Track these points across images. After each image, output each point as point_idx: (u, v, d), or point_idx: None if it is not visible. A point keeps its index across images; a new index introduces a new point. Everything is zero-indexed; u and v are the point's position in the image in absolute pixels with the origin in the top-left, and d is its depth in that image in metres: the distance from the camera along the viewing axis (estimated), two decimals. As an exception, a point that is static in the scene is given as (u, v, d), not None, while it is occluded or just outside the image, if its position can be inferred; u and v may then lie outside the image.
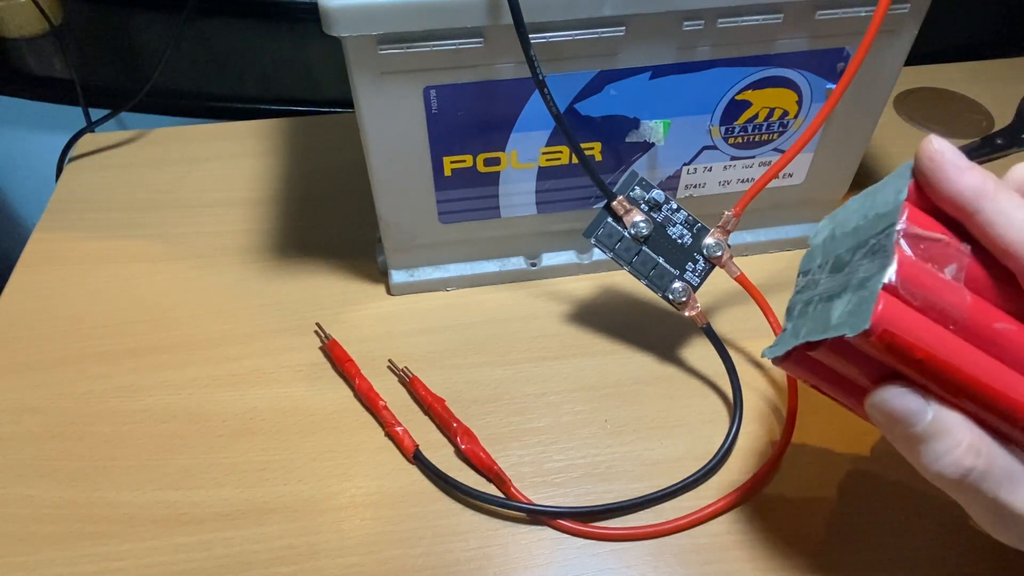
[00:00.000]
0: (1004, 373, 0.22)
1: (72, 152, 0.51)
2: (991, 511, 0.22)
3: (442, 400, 0.35)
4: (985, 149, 0.50)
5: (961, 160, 0.22)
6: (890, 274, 0.21)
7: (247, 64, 0.72)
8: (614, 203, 0.34)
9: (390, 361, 0.38)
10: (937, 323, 0.22)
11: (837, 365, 0.24)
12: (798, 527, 0.32)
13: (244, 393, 0.37)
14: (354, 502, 0.33)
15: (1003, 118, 0.52)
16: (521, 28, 0.29)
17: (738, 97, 0.36)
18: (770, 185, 0.33)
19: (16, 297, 0.42)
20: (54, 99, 0.70)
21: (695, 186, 0.40)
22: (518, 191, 0.38)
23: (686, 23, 0.33)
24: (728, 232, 0.34)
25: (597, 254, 0.42)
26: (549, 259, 0.42)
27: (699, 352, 0.38)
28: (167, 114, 0.67)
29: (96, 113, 0.52)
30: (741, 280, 0.35)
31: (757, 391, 0.36)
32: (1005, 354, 0.22)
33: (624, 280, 0.42)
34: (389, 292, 0.41)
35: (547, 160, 0.37)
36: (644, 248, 0.35)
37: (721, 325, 0.39)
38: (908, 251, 0.22)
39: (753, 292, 0.35)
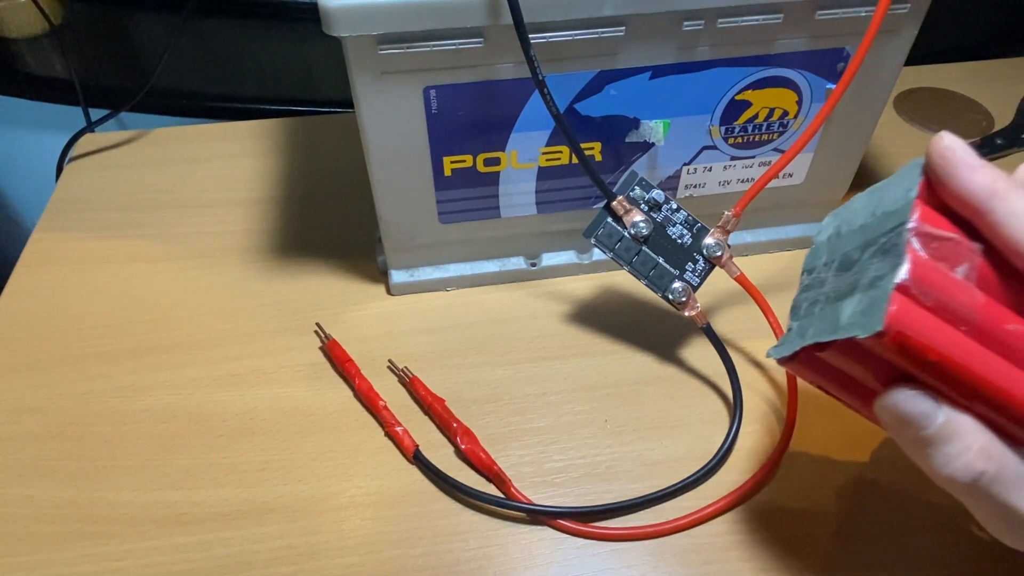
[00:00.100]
0: (1016, 375, 0.21)
1: (72, 152, 0.51)
2: (1000, 515, 0.22)
3: (442, 400, 0.35)
4: (985, 149, 0.50)
5: (973, 158, 0.22)
6: (902, 274, 0.21)
7: (247, 64, 0.72)
8: (614, 203, 0.34)
9: (390, 361, 0.38)
10: (949, 324, 0.21)
11: (845, 366, 0.24)
12: (798, 527, 0.32)
13: (244, 393, 0.37)
14: (354, 502, 0.33)
15: (1003, 118, 0.52)
16: (521, 28, 0.29)
17: (738, 97, 0.36)
18: (770, 185, 0.33)
19: (16, 297, 0.42)
20: (54, 99, 0.70)
21: (695, 186, 0.40)
22: (518, 191, 0.38)
23: (686, 23, 0.33)
24: (728, 232, 0.34)
25: (597, 254, 0.42)
26: (549, 259, 0.42)
27: (699, 352, 0.38)
28: (167, 114, 0.67)
29: (96, 113, 0.52)
30: (741, 280, 0.35)
31: (757, 391, 0.36)
32: (1016, 356, 0.21)
33: (624, 280, 0.42)
34: (389, 292, 0.41)
35: (547, 160, 0.37)
36: (644, 248, 0.35)
37: (721, 325, 0.39)
38: (920, 250, 0.22)
39: (753, 292, 0.35)
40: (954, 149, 0.22)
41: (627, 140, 0.37)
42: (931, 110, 0.53)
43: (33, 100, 0.70)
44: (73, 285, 0.42)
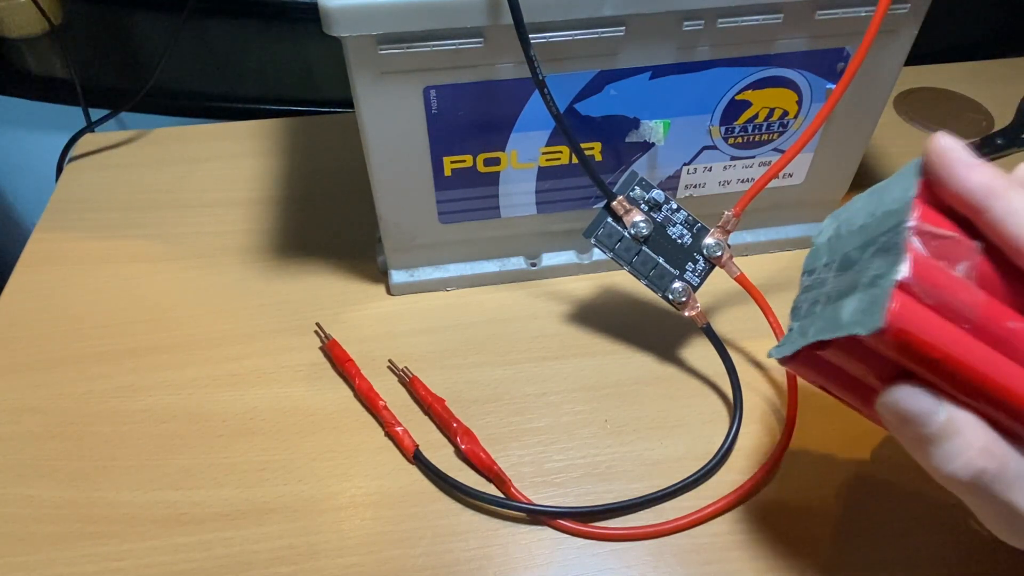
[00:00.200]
0: (1017, 372, 0.21)
1: (72, 152, 0.51)
2: (1002, 514, 0.22)
3: (442, 400, 0.35)
4: (985, 149, 0.50)
5: (970, 157, 0.22)
6: (903, 272, 0.21)
7: (247, 64, 0.72)
8: (614, 203, 0.34)
9: (390, 361, 0.38)
10: (950, 322, 0.21)
11: (846, 365, 0.24)
12: (798, 527, 0.32)
13: (244, 393, 0.37)
14: (354, 502, 0.33)
15: (1003, 118, 0.52)
16: (521, 28, 0.29)
17: (738, 97, 0.36)
18: (770, 185, 0.33)
19: (16, 297, 0.42)
20: (54, 99, 0.70)
21: (695, 186, 0.40)
22: (518, 191, 0.38)
23: (686, 23, 0.33)
24: (728, 232, 0.34)
25: (597, 254, 0.42)
26: (549, 259, 0.42)
27: (699, 352, 0.38)
28: (167, 114, 0.67)
29: (96, 113, 0.52)
30: (741, 280, 0.35)
31: (757, 391, 0.36)
32: (1017, 353, 0.22)
33: (624, 280, 0.42)
34: (389, 292, 0.41)
35: (547, 160, 0.37)
36: (644, 248, 0.35)
37: (721, 325, 0.39)
38: (920, 248, 0.22)
39: (753, 292, 0.35)
40: (951, 149, 0.22)
41: (627, 140, 0.37)
42: (931, 110, 0.53)
43: (33, 100, 0.70)
44: (73, 285, 0.42)
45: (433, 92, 0.33)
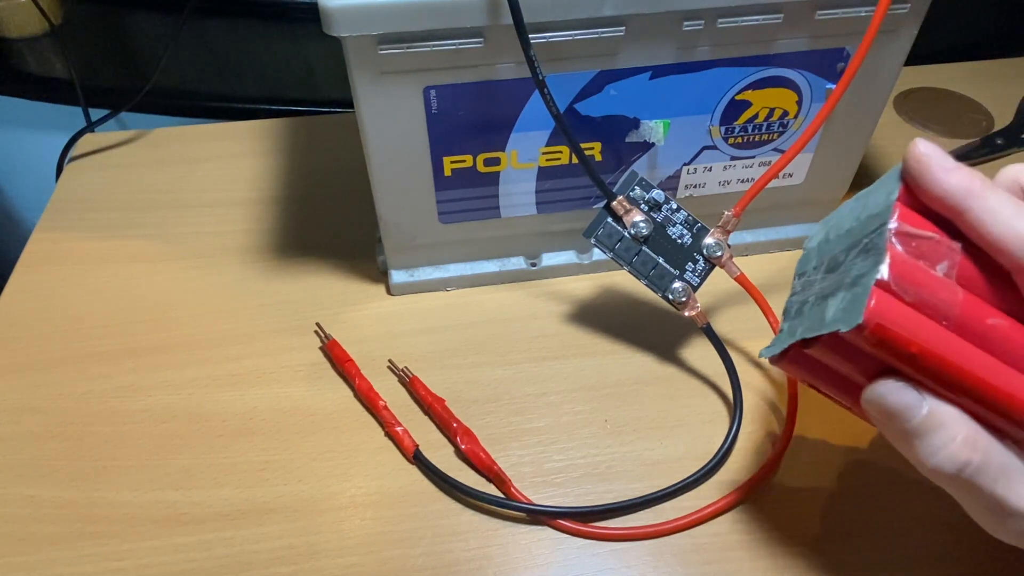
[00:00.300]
0: (997, 368, 0.22)
1: (72, 152, 0.51)
2: (988, 507, 0.22)
3: (442, 400, 0.35)
4: (985, 149, 0.50)
5: (947, 161, 0.23)
6: (883, 271, 0.22)
7: (247, 64, 0.72)
8: (614, 203, 0.34)
9: (390, 361, 0.38)
10: (930, 319, 0.22)
11: (833, 362, 0.24)
12: (798, 527, 0.32)
13: (244, 393, 0.37)
14: (354, 502, 0.33)
15: (1003, 118, 0.52)
16: (521, 28, 0.29)
17: (738, 97, 0.36)
18: (770, 185, 0.33)
19: (16, 297, 0.42)
20: (54, 99, 0.70)
21: (695, 186, 0.40)
22: (518, 191, 0.38)
23: (686, 23, 0.33)
24: (728, 232, 0.34)
25: (597, 254, 0.42)
26: (549, 259, 0.42)
27: (699, 352, 0.38)
28: (167, 114, 0.67)
29: (96, 113, 0.52)
30: (741, 280, 0.35)
31: (757, 391, 0.36)
32: (998, 349, 0.22)
33: (624, 280, 0.42)
34: (389, 292, 0.41)
35: (547, 160, 0.37)
36: (644, 248, 0.35)
37: (721, 325, 0.39)
38: (900, 248, 0.22)
39: (753, 292, 0.35)
40: (929, 154, 0.23)
41: (627, 140, 0.37)
42: (931, 110, 0.53)
43: (33, 100, 0.70)
44: (73, 285, 0.42)
45: (433, 92, 0.33)
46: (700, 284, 0.35)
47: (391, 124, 0.34)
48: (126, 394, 0.37)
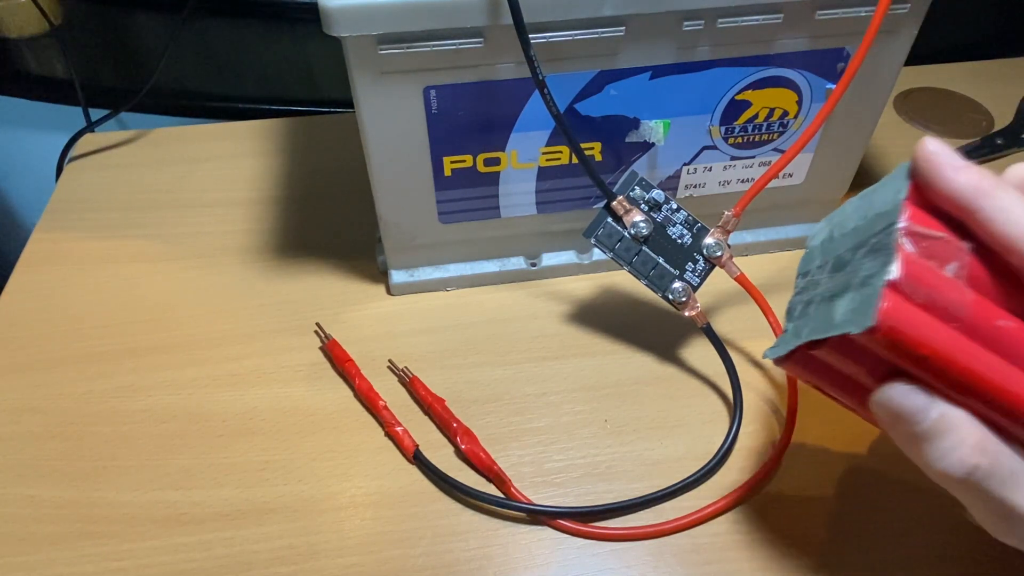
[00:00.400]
0: (1007, 370, 0.22)
1: (72, 152, 0.51)
2: (995, 511, 0.22)
3: (442, 400, 0.35)
4: (985, 149, 0.50)
5: (957, 160, 0.23)
6: (893, 271, 0.21)
7: (247, 64, 0.72)
8: (614, 203, 0.34)
9: (390, 361, 0.38)
10: (940, 320, 0.22)
11: (840, 364, 0.24)
12: (798, 527, 0.32)
13: (244, 393, 0.37)
14: (354, 502, 0.33)
15: (1003, 118, 0.52)
16: (521, 28, 0.29)
17: (738, 97, 0.36)
18: (770, 185, 0.33)
19: (16, 297, 0.42)
20: (54, 99, 0.70)
21: (695, 186, 0.40)
22: (518, 191, 0.38)
23: (686, 23, 0.33)
24: (728, 232, 0.34)
25: (597, 254, 0.42)
26: (549, 259, 0.42)
27: (699, 352, 0.38)
28: (167, 114, 0.67)
29: (96, 113, 0.52)
30: (741, 280, 0.35)
31: (757, 391, 0.36)
32: (1007, 351, 0.22)
33: (624, 280, 0.42)
34: (389, 292, 0.41)
35: (547, 160, 0.37)
36: (644, 248, 0.35)
37: (721, 325, 0.39)
38: (910, 249, 0.22)
39: (753, 292, 0.35)
40: (938, 152, 0.23)
41: (627, 140, 0.37)
42: (931, 110, 0.53)
43: (33, 100, 0.70)
44: (73, 285, 0.42)
45: (433, 92, 0.33)
46: (700, 284, 0.35)
47: (391, 124, 0.34)
48: (126, 394, 0.37)
